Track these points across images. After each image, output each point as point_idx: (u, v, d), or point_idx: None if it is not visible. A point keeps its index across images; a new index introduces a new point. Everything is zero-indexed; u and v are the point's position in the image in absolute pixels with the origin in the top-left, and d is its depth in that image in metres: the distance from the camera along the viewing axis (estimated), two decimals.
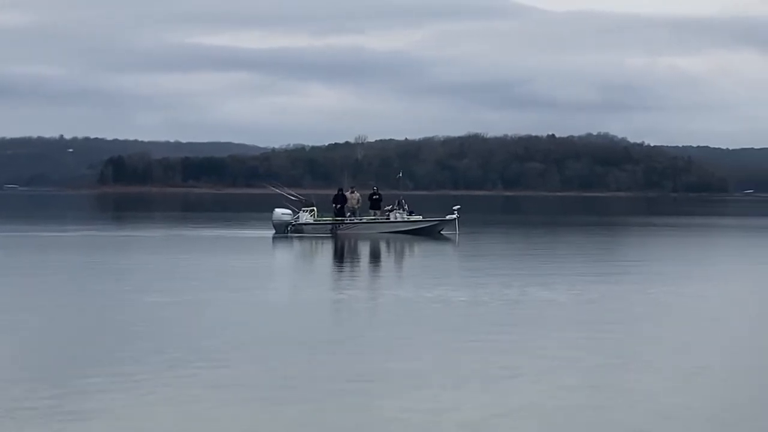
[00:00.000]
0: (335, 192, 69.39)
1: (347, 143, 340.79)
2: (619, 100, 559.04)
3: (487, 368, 18.98)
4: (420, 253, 53.26)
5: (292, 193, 70.76)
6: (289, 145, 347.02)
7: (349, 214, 67.67)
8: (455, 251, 55.15)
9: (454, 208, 67.17)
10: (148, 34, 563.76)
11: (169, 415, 15.16)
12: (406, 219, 67.93)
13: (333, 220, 67.39)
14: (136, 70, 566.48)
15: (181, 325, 24.54)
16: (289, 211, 67.81)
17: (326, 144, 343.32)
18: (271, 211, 67.96)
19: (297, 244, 58.64)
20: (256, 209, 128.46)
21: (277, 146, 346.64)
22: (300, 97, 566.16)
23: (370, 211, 68.50)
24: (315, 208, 68.29)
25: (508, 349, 21.43)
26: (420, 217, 68.83)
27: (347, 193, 68.61)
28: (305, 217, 67.43)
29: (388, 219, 67.80)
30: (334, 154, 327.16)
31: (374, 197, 68.79)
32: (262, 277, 37.39)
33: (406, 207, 68.56)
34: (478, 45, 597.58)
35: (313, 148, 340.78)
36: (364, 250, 54.91)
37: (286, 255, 52.37)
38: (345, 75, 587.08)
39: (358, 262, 48.03)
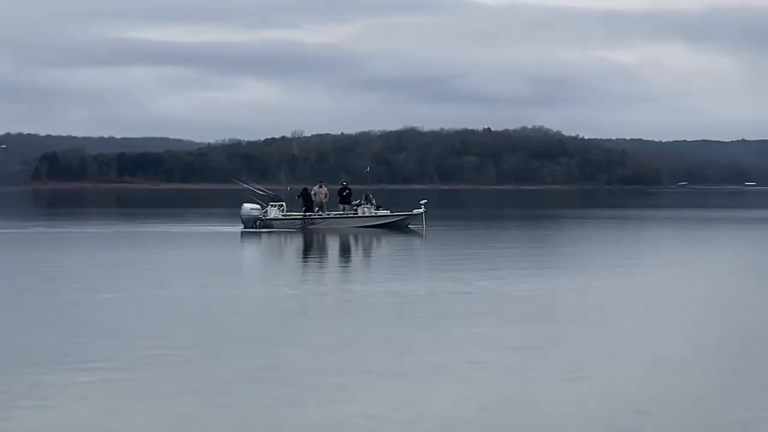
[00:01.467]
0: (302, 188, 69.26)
1: (283, 138, 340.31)
2: (553, 93, 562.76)
3: (452, 362, 19.10)
4: (387, 247, 53.48)
5: (260, 187, 70.85)
6: (224, 140, 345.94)
7: (317, 209, 67.83)
8: (423, 245, 55.46)
9: (420, 202, 67.73)
10: (81, 29, 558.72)
11: (78, 413, 15.11)
12: (373, 213, 68.25)
13: (302, 215, 67.51)
14: (70, 66, 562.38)
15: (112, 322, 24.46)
16: (257, 206, 67.82)
17: (262, 139, 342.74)
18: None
19: (265, 240, 58.75)
20: (203, 204, 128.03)
21: (212, 141, 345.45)
22: (234, 92, 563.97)
23: (340, 206, 68.72)
24: (284, 203, 68.40)
25: (473, 342, 21.56)
26: (388, 212, 69.29)
27: (316, 188, 68.62)
28: (274, 212, 67.52)
29: (356, 214, 68.10)
30: (271, 149, 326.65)
31: (344, 192, 69.06)
32: (223, 273, 37.20)
33: (373, 202, 68.90)
34: (412, 39, 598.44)
35: (250, 143, 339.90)
36: (331, 245, 55.11)
37: (252, 250, 52.40)
38: (279, 69, 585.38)
39: (323, 257, 48.16)
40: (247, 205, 67.85)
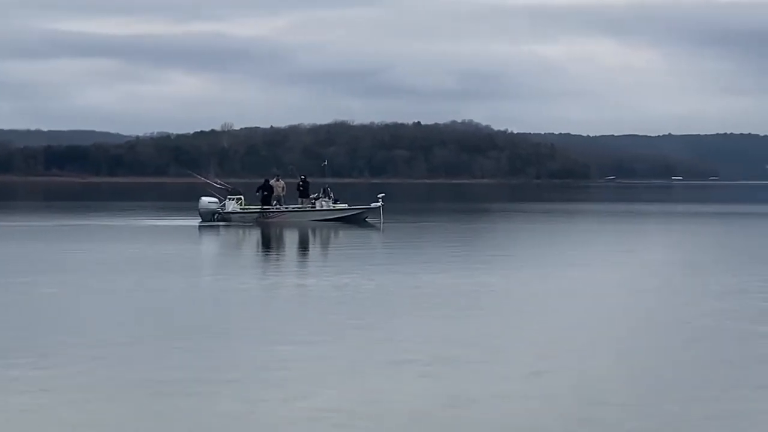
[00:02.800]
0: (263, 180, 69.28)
1: (213, 131, 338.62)
2: (481, 87, 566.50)
3: (409, 356, 19.28)
4: (343, 241, 53.58)
5: (218, 181, 70.80)
6: (153, 133, 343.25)
7: (275, 202, 67.77)
8: (380, 238, 55.59)
9: (378, 196, 67.89)
10: (8, 20, 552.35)
11: None
12: (331, 207, 68.38)
13: (260, 208, 67.42)
14: None
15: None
16: (215, 200, 67.72)
17: (192, 132, 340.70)
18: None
19: (223, 233, 58.68)
20: (139, 198, 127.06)
21: (141, 134, 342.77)
22: (162, 85, 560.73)
23: (299, 199, 68.83)
24: (242, 197, 68.31)
25: (428, 336, 21.72)
26: (345, 205, 69.40)
27: (273, 181, 68.52)
28: (232, 205, 67.42)
29: (314, 207, 68.18)
30: (200, 142, 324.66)
31: (301, 186, 69.10)
32: (176, 267, 36.99)
33: (331, 195, 69.03)
34: (340, 32, 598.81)
35: (179, 136, 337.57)
36: (288, 238, 55.17)
37: (209, 244, 52.36)
38: (206, 62, 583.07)
39: (278, 250, 48.21)
40: (205, 199, 67.76)
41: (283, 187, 68.49)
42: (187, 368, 18.10)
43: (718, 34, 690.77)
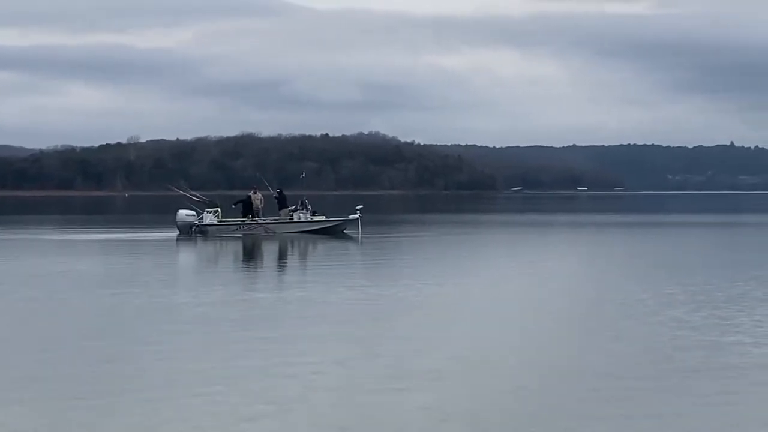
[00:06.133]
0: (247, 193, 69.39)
1: (119, 144, 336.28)
2: (386, 99, 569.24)
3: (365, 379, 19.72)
4: (321, 253, 53.56)
5: (196, 194, 71.13)
6: (57, 146, 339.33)
7: (250, 215, 68.04)
8: (358, 250, 55.57)
9: (356, 207, 68.28)
10: None
11: None
12: (309, 219, 68.68)
13: (239, 221, 67.89)
14: None
15: None
16: (192, 213, 67.98)
17: (97, 145, 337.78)
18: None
19: (201, 246, 58.72)
20: (72, 212, 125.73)
21: (44, 147, 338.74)
22: (63, 97, 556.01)
23: (280, 211, 69.11)
24: (219, 209, 68.70)
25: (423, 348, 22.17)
26: (323, 217, 69.75)
27: (251, 194, 68.70)
28: (209, 218, 67.74)
29: (292, 219, 68.50)
30: (107, 155, 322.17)
31: (279, 198, 69.51)
32: (148, 281, 36.55)
33: (309, 207, 69.30)
34: (244, 44, 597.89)
35: (84, 149, 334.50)
36: (262, 251, 55.14)
37: (186, 256, 52.15)
38: (108, 74, 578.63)
39: (247, 264, 48.04)
40: (182, 212, 68.06)
41: (260, 200, 68.85)
42: (129, 380, 18.42)
43: (621, 46, 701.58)
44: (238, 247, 58.20)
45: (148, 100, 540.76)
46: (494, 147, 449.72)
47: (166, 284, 36.20)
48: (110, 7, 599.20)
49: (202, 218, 67.85)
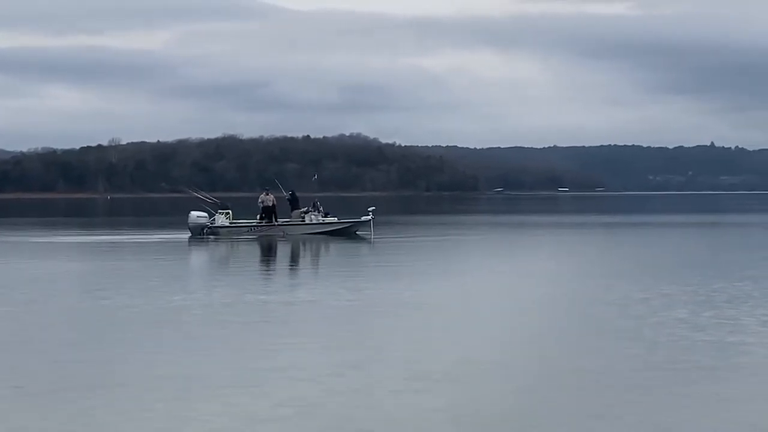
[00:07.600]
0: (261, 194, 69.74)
1: (100, 146, 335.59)
2: (367, 100, 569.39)
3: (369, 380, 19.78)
4: (333, 254, 53.55)
5: (209, 196, 71.52)
6: (38, 148, 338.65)
7: (259, 216, 68.55)
8: (369, 252, 55.39)
9: (369, 209, 68.47)
10: None
11: None
12: (321, 221, 68.79)
13: (251, 222, 68.38)
14: None
15: None
16: (204, 214, 68.38)
17: (78, 147, 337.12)
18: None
19: (213, 247, 58.83)
20: (56, 213, 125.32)
21: (25, 150, 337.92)
22: (43, 99, 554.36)
23: (292, 213, 69.31)
24: (230, 211, 69.08)
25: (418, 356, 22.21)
26: (335, 219, 69.91)
27: (263, 195, 69.07)
28: (221, 219, 68.06)
29: (304, 221, 68.59)
30: (88, 158, 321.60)
31: (291, 200, 69.79)
32: (163, 282, 36.38)
33: (321, 209, 69.39)
34: (225, 46, 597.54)
35: (65, 151, 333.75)
36: (272, 252, 55.09)
37: (198, 258, 52.07)
38: (88, 76, 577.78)
39: (260, 264, 47.95)
40: (194, 213, 68.47)
41: (272, 201, 69.01)
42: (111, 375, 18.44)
43: (601, 47, 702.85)
44: (251, 248, 58.37)
45: (129, 102, 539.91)
46: (475, 148, 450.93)
47: (179, 286, 35.94)
48: (90, 9, 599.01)
49: (214, 220, 68.25)
